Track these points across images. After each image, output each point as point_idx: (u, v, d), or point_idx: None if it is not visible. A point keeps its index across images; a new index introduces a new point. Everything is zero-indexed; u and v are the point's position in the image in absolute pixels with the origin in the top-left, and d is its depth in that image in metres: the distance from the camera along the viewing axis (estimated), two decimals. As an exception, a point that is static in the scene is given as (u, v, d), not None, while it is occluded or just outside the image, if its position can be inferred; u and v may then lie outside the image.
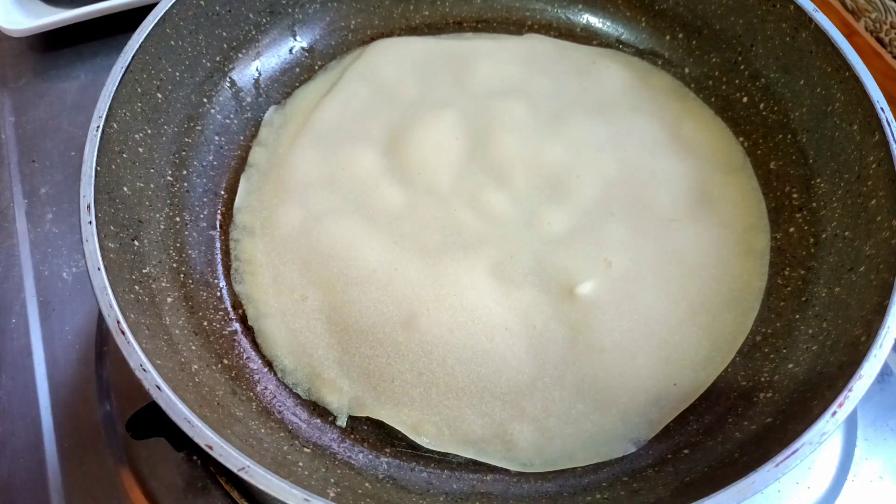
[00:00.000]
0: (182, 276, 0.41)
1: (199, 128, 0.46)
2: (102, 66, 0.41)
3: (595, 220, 0.43)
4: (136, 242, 0.39)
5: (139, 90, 0.41)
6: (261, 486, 0.29)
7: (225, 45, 0.48)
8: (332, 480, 0.35)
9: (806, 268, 0.41)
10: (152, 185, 0.42)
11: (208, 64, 0.47)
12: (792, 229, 0.43)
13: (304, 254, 0.43)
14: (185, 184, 0.44)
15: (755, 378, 0.38)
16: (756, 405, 0.37)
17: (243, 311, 0.42)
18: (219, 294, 0.42)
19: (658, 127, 0.48)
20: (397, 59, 0.51)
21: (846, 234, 0.40)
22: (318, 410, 0.39)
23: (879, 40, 0.55)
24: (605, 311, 0.40)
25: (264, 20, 0.50)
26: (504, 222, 0.43)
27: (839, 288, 0.38)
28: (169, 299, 0.39)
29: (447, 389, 0.38)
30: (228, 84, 0.48)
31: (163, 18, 0.42)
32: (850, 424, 0.43)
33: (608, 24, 0.53)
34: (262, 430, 0.36)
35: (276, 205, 0.45)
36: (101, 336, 0.47)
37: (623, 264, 0.42)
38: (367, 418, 0.38)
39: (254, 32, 0.49)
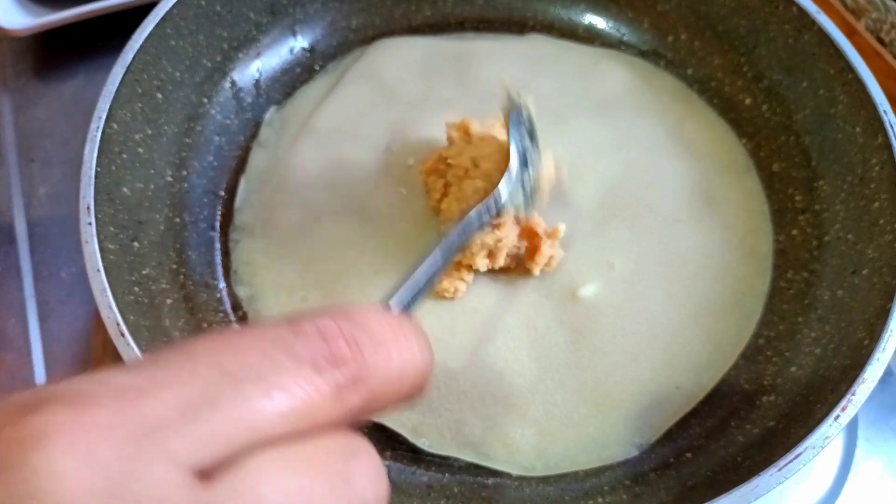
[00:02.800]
0: (182, 277, 0.41)
1: (199, 128, 0.46)
2: (102, 66, 0.40)
3: (597, 221, 0.43)
4: (136, 244, 0.39)
5: (139, 90, 0.41)
6: (261, 490, 0.29)
7: (225, 45, 0.48)
8: (333, 483, 0.35)
9: (809, 270, 0.41)
10: (152, 186, 0.42)
11: (209, 64, 0.47)
12: (795, 232, 0.43)
13: (304, 255, 0.42)
14: (185, 184, 0.44)
15: (758, 381, 0.38)
16: (759, 409, 0.37)
17: (243, 312, 0.42)
18: (218, 296, 0.42)
19: (661, 128, 0.47)
20: (398, 59, 0.51)
21: (849, 236, 0.39)
22: (319, 413, 0.39)
23: (880, 40, 0.55)
24: (608, 313, 0.40)
25: (265, 20, 0.50)
26: (505, 224, 0.43)
27: (842, 291, 0.38)
28: (168, 301, 0.39)
29: (448, 392, 0.38)
30: (229, 84, 0.48)
31: (163, 18, 0.42)
32: (852, 425, 0.43)
33: (611, 24, 0.53)
34: (263, 433, 0.36)
35: (276, 205, 0.45)
36: (100, 337, 0.47)
37: (625, 266, 0.41)
38: (368, 421, 0.38)
39: (254, 32, 0.49)
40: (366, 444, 0.16)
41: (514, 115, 0.35)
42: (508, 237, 0.37)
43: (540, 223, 0.38)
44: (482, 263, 0.38)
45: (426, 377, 0.19)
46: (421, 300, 0.25)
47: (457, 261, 0.39)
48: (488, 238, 0.37)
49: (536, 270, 0.39)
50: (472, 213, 0.32)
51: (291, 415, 0.14)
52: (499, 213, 0.33)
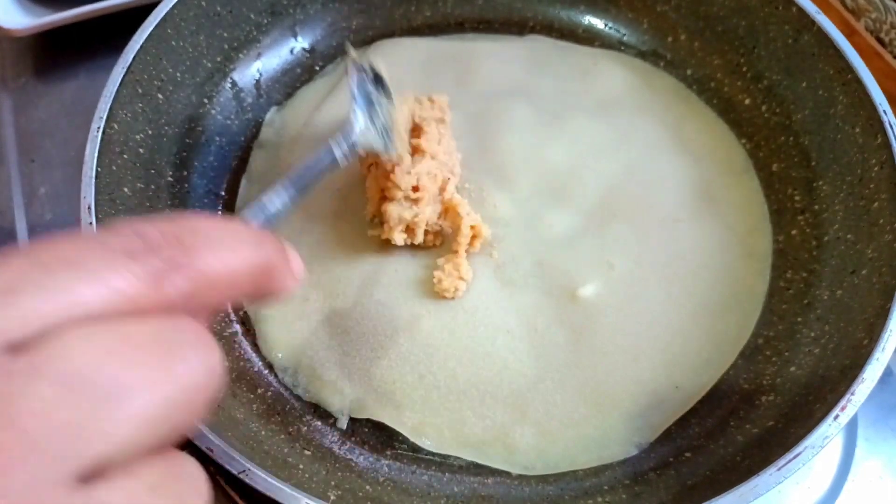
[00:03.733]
0: (182, 277, 0.41)
1: (200, 129, 0.46)
2: (102, 66, 0.40)
3: (597, 221, 0.43)
4: (137, 244, 0.39)
5: (140, 91, 0.41)
6: (261, 489, 0.29)
7: (226, 46, 0.48)
8: (333, 483, 0.35)
9: (808, 270, 0.41)
10: (153, 186, 0.42)
11: (209, 64, 0.47)
12: (794, 232, 0.43)
13: (304, 255, 0.42)
14: (186, 185, 0.44)
15: (757, 381, 0.38)
16: (758, 408, 0.37)
17: (244, 312, 0.42)
18: (219, 295, 0.42)
19: (660, 129, 0.48)
20: (398, 59, 0.51)
21: (848, 236, 0.39)
22: (319, 412, 0.39)
23: (879, 40, 0.55)
24: (608, 313, 0.40)
25: (265, 21, 0.50)
26: (506, 224, 0.43)
27: (841, 291, 0.38)
28: (169, 301, 0.39)
29: (448, 392, 0.38)
30: (229, 85, 0.48)
31: (164, 19, 0.42)
32: (851, 424, 0.42)
33: (610, 25, 0.53)
34: (263, 433, 0.36)
35: (276, 206, 0.45)
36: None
37: (625, 266, 0.41)
38: (368, 420, 0.38)
39: (255, 33, 0.49)
40: (203, 333, 0.16)
41: (356, 68, 0.38)
42: (425, 213, 0.39)
43: (463, 204, 0.40)
44: (399, 238, 0.40)
45: (267, 270, 0.19)
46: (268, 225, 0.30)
47: (421, 243, 0.41)
48: (406, 213, 0.39)
49: (461, 250, 0.40)
50: (321, 149, 0.34)
51: (105, 295, 0.15)
52: (353, 150, 0.35)
